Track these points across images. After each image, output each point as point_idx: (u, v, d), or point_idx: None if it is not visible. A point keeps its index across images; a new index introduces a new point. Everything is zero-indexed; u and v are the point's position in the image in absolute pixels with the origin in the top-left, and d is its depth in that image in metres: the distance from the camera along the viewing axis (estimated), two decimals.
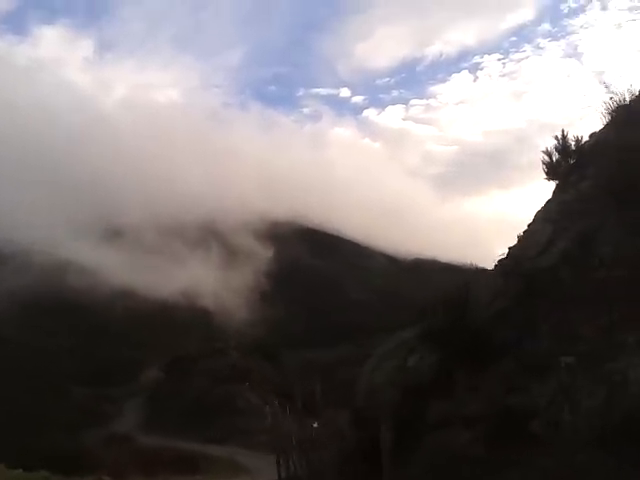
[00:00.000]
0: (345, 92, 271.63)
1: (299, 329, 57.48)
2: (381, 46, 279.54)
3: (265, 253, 79.43)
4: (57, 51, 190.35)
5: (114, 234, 74.49)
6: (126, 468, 20.35)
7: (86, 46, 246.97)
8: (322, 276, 71.95)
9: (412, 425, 7.05)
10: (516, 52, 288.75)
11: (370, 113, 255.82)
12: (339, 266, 76.20)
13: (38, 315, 52.15)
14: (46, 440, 26.62)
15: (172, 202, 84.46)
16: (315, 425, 10.59)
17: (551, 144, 9.11)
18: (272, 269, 74.41)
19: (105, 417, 32.02)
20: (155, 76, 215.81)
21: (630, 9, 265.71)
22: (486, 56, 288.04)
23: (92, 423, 30.39)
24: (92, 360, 43.17)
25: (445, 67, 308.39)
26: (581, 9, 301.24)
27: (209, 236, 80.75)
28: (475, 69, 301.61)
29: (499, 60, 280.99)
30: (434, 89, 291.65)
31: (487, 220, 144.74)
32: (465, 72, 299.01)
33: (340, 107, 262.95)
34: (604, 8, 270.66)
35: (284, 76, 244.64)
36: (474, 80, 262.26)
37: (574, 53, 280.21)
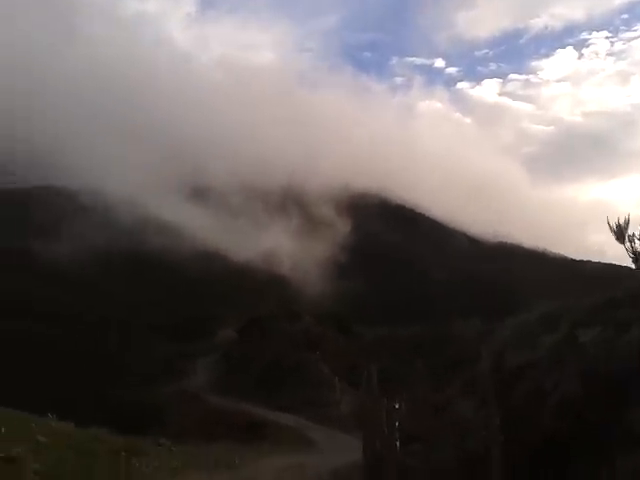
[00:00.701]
0: (439, 63, 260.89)
1: (374, 304, 57.06)
2: (483, 16, 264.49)
3: (345, 225, 79.29)
4: (161, 5, 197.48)
5: (198, 194, 77.27)
6: (190, 430, 20.39)
7: (189, 2, 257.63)
8: (401, 253, 70.87)
9: (601, 435, 4.98)
10: (627, 31, 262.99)
11: (464, 86, 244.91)
12: (419, 244, 74.61)
13: (121, 268, 55.41)
14: (122, 393, 28.17)
15: (257, 165, 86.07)
16: (397, 406, 10.18)
17: None
18: (351, 242, 74.16)
19: (180, 373, 33.49)
20: (252, 37, 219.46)
21: None
22: (594, 33, 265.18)
23: (167, 378, 31.96)
24: (171, 315, 45.52)
25: (549, 42, 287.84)
26: None
27: (290, 203, 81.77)
28: (581, 46, 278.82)
29: (607, 38, 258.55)
30: (535, 64, 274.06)
31: (580, 209, 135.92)
32: (570, 48, 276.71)
33: (433, 78, 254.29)
34: None
35: (378, 43, 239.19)
36: (579, 57, 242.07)
37: None
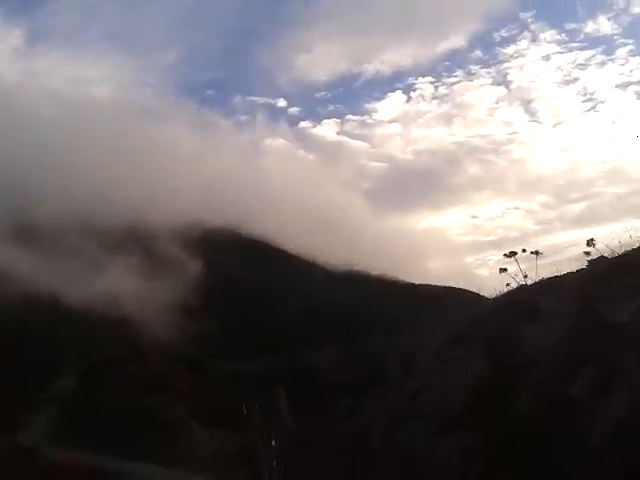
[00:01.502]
0: (282, 102, 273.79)
1: (228, 341, 55.94)
2: (319, 60, 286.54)
3: (195, 262, 77.22)
4: None
5: (25, 234, 69.64)
6: None
7: (16, 36, 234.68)
8: (254, 287, 70.85)
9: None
10: (449, 76, 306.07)
11: (306, 125, 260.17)
12: (272, 277, 75.47)
13: None
14: None
15: (94, 202, 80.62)
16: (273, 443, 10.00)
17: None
18: (202, 279, 72.24)
19: (12, 426, 29.36)
20: (85, 71, 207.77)
21: (558, 42, 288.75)
22: (420, 78, 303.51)
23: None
24: (4, 365, 39.94)
25: (380, 86, 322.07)
26: (512, 39, 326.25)
27: (133, 241, 77.45)
28: (409, 90, 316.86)
29: (432, 83, 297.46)
30: (369, 106, 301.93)
31: (418, 237, 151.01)
32: (399, 92, 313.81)
33: (276, 117, 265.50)
34: (534, 40, 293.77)
35: (220, 81, 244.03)
36: (407, 100, 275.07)
37: (503, 81, 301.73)
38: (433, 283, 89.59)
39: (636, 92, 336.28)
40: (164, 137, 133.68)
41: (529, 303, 18.31)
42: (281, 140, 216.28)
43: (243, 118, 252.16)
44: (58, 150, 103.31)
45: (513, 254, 20.42)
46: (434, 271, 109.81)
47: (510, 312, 18.65)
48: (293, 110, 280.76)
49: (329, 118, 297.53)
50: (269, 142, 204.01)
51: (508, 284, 21.54)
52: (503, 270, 21.13)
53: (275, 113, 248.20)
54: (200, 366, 41.03)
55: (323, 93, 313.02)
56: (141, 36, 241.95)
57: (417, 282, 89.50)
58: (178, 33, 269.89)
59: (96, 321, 52.58)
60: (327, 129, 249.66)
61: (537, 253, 20.78)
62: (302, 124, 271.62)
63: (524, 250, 20.85)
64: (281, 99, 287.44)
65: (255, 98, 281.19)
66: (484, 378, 16.27)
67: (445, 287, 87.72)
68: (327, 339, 57.68)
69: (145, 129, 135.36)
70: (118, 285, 65.23)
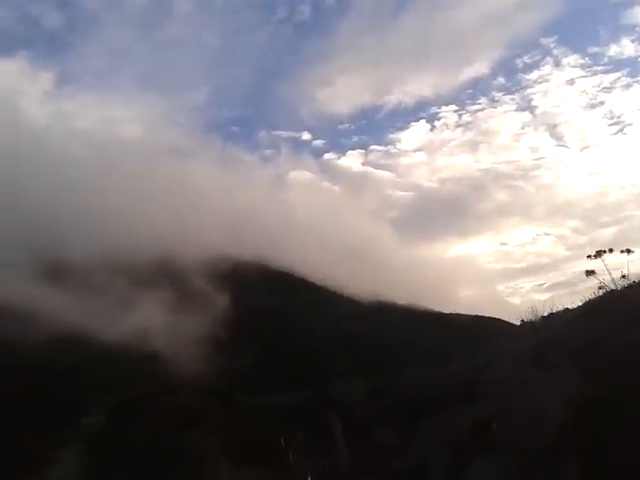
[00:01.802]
0: (306, 136, 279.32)
1: (257, 373, 55.91)
2: (341, 93, 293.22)
3: (223, 296, 78.00)
4: (16, 83, 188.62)
5: (56, 272, 71.64)
6: None
7: (46, 79, 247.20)
8: (283, 320, 70.92)
9: None
10: (472, 104, 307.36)
11: (330, 157, 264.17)
12: (301, 309, 75.46)
13: None
14: None
15: (124, 239, 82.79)
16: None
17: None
18: (230, 314, 72.83)
19: (43, 463, 29.71)
20: (116, 112, 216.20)
21: (581, 66, 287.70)
22: (443, 107, 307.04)
23: (28, 470, 28.17)
24: (32, 403, 40.59)
25: (404, 116, 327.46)
26: (535, 65, 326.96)
27: (163, 278, 78.88)
28: (433, 119, 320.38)
29: (455, 111, 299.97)
30: (393, 136, 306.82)
31: (446, 266, 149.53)
32: (423, 121, 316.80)
33: (301, 150, 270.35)
34: (557, 64, 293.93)
35: (246, 118, 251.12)
36: (431, 129, 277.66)
37: (528, 106, 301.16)
38: (463, 312, 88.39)
39: None
40: (192, 174, 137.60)
41: (633, 308, 15.30)
42: (306, 172, 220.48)
43: (268, 152, 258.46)
44: (87, 189, 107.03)
45: (600, 254, 18.87)
46: (464, 300, 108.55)
47: (607, 319, 15.95)
48: (317, 142, 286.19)
49: (353, 149, 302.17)
50: (294, 175, 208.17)
51: (601, 287, 19.38)
52: (590, 273, 19.46)
53: (300, 146, 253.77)
54: (229, 400, 41.00)
55: (346, 125, 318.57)
56: (170, 77, 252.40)
57: (446, 311, 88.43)
58: (205, 74, 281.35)
59: (126, 357, 53.30)
60: (352, 160, 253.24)
61: (628, 251, 19.19)
62: (327, 156, 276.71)
63: (611, 250, 19.35)
64: (305, 132, 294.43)
65: (279, 132, 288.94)
66: (578, 401, 13.69)
67: (476, 316, 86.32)
68: (355, 370, 57.12)
69: (173, 167, 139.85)
70: (148, 320, 66.25)
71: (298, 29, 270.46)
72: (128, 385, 40.51)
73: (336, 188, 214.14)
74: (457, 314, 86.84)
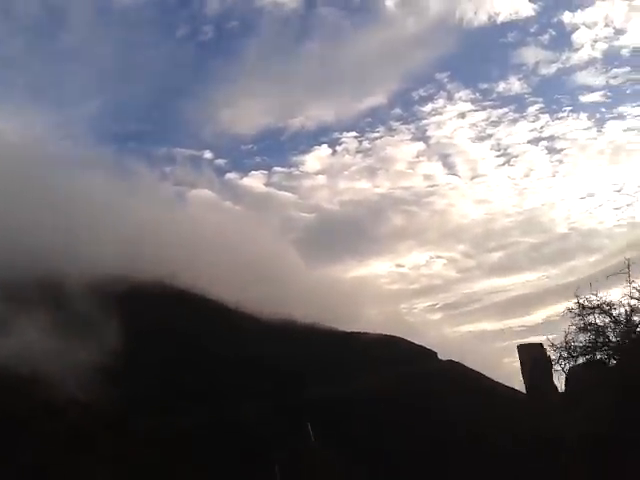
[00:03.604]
0: (208, 154, 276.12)
1: (153, 398, 53.50)
2: (245, 114, 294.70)
3: (117, 320, 74.03)
4: None
5: None
6: None
7: None
8: (183, 341, 68.67)
9: None
10: (371, 132, 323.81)
11: (233, 176, 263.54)
12: (202, 329, 73.67)
13: None
14: None
15: (2, 255, 76.39)
16: None
17: None
18: (125, 337, 69.25)
19: None
20: (2, 123, 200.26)
21: (472, 101, 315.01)
22: (344, 132, 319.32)
23: None
24: None
25: (306, 139, 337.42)
26: (430, 98, 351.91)
27: (45, 297, 73.59)
28: (334, 144, 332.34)
29: (356, 137, 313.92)
30: (296, 159, 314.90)
31: (347, 286, 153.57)
32: (325, 146, 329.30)
33: (202, 169, 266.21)
34: (450, 98, 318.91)
35: (144, 134, 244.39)
36: (333, 154, 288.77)
37: (422, 136, 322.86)
38: (366, 331, 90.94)
39: (547, 147, 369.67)
40: (83, 187, 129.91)
41: None
42: (207, 191, 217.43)
43: (167, 169, 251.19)
44: None
45: None
46: (367, 319, 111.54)
47: None
48: (219, 162, 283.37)
49: (256, 170, 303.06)
50: (195, 193, 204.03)
51: None
52: None
53: (201, 165, 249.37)
54: (122, 423, 39.14)
55: (250, 146, 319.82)
56: (62, 89, 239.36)
57: (348, 330, 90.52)
58: (100, 87, 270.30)
59: (2, 381, 48.97)
60: (254, 180, 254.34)
61: None
62: (229, 175, 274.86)
63: None
64: (207, 151, 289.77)
65: (180, 149, 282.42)
66: None
67: (380, 334, 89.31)
68: (258, 390, 56.91)
69: (62, 179, 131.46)
70: (26, 343, 61.29)
71: (201, 48, 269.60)
72: (6, 407, 37.24)
73: (238, 208, 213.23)
74: (361, 332, 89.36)
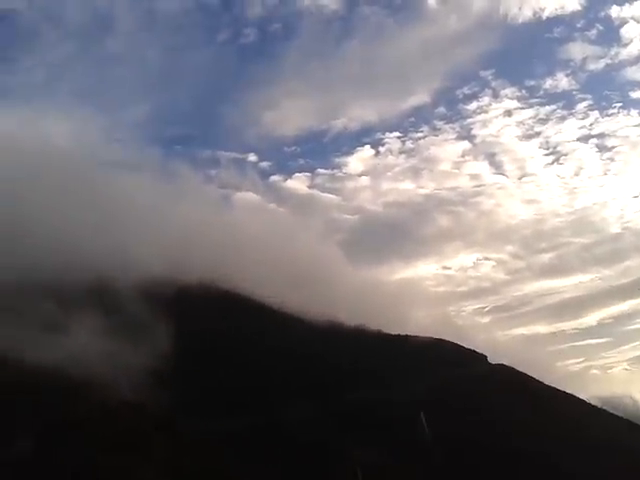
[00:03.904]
0: (252, 157, 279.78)
1: (203, 401, 53.87)
2: (287, 116, 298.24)
3: (166, 323, 75.07)
4: None
5: None
6: None
7: None
8: (231, 343, 68.91)
9: None
10: (414, 132, 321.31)
11: (277, 179, 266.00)
12: (250, 332, 73.76)
13: None
14: None
15: (54, 259, 78.75)
16: None
17: None
18: (175, 340, 70.17)
19: None
20: (52, 127, 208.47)
21: (518, 98, 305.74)
22: (387, 133, 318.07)
23: None
24: None
25: (349, 141, 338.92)
26: (474, 96, 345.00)
27: (97, 301, 75.41)
28: (377, 144, 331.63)
29: (399, 138, 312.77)
30: (339, 160, 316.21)
31: (391, 288, 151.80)
32: (368, 147, 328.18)
33: (246, 171, 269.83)
34: (495, 96, 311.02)
35: (189, 137, 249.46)
36: (376, 155, 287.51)
37: (467, 135, 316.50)
38: (414, 334, 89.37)
39: (597, 145, 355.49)
40: (131, 191, 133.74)
41: None
42: (252, 194, 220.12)
43: (213, 172, 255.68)
44: (13, 204, 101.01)
45: None
46: (414, 322, 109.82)
47: None
48: (263, 164, 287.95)
49: (300, 172, 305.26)
50: (240, 196, 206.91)
51: None
52: None
53: (245, 167, 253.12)
54: (171, 425, 39.40)
55: (293, 148, 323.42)
56: (109, 94, 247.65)
57: (395, 332, 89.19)
58: (146, 91, 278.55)
59: (57, 382, 50.31)
60: (298, 183, 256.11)
61: None
62: (273, 178, 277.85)
63: None
64: (251, 154, 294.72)
65: (224, 153, 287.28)
66: None
67: (430, 338, 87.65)
68: (304, 394, 56.49)
69: (110, 183, 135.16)
70: (81, 346, 62.95)
71: (243, 51, 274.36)
72: (60, 410, 38.09)
73: (282, 210, 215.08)
74: (410, 335, 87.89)
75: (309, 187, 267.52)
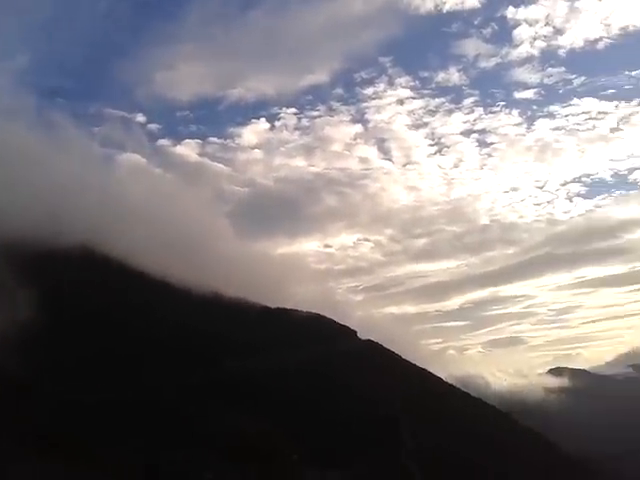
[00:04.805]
0: (140, 118, 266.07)
1: (72, 368, 52.27)
2: (183, 80, 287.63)
3: (36, 284, 70.19)
4: None
5: None
6: None
7: None
8: (108, 311, 66.67)
9: None
10: (311, 110, 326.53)
11: (165, 143, 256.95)
12: (128, 300, 71.79)
13: None
14: None
15: None
16: None
17: None
18: (41, 305, 66.11)
19: None
20: None
21: (412, 88, 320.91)
22: (284, 108, 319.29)
23: None
24: None
25: (244, 111, 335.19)
26: (371, 81, 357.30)
27: None
28: (273, 119, 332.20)
29: (295, 114, 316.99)
30: (232, 130, 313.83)
31: (274, 262, 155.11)
32: (263, 120, 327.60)
33: (134, 132, 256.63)
34: (391, 84, 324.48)
35: (74, 91, 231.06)
36: (271, 129, 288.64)
37: (361, 119, 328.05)
38: (293, 308, 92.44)
39: (478, 140, 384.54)
40: (6, 143, 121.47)
41: None
42: (137, 156, 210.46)
43: (96, 129, 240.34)
44: None
45: None
46: (294, 297, 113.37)
47: None
48: (152, 127, 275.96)
49: (190, 138, 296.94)
50: (125, 157, 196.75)
51: None
52: None
53: (132, 128, 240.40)
54: (29, 390, 38.49)
55: (185, 113, 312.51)
56: None
57: (274, 306, 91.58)
58: (31, 39, 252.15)
59: None
60: (187, 149, 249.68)
61: None
62: (161, 142, 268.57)
63: None
64: (140, 114, 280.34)
65: (111, 110, 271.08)
66: None
67: (307, 312, 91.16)
68: (184, 365, 57.03)
69: None
70: None
71: (142, 6, 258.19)
72: None
73: (169, 176, 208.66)
74: (289, 309, 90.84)
75: (199, 155, 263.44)
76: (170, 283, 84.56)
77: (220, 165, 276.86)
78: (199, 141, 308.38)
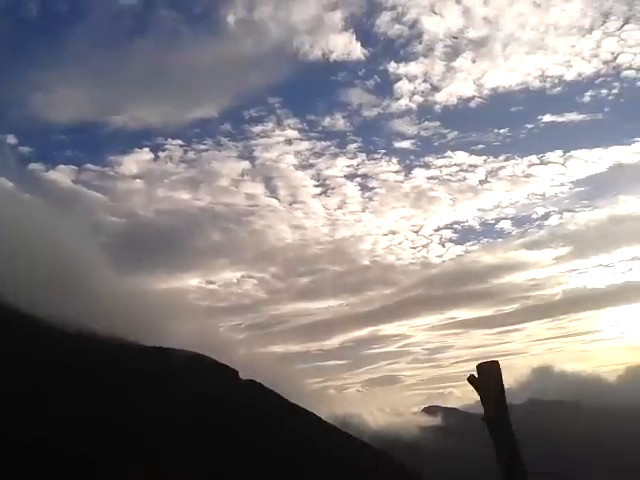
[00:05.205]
0: (11, 139, 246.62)
1: None
2: (61, 102, 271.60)
3: None
4: None
5: None
6: None
7: None
8: None
9: None
10: (198, 143, 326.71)
11: (37, 167, 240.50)
12: None
13: None
14: None
15: None
16: None
17: None
18: None
19: None
20: None
21: (299, 130, 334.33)
22: (170, 139, 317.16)
23: None
24: None
25: (127, 140, 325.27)
26: (260, 119, 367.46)
27: None
28: (157, 149, 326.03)
29: (181, 146, 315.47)
30: (113, 158, 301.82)
31: (154, 298, 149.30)
32: (147, 149, 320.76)
33: (3, 154, 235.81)
34: (279, 124, 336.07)
35: None
36: (154, 159, 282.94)
37: (249, 156, 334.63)
38: (173, 347, 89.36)
39: (360, 184, 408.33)
40: None
41: None
42: (3, 179, 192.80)
43: None
44: None
45: None
46: (174, 334, 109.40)
47: None
48: (24, 149, 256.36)
49: (65, 164, 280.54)
50: None
51: None
52: None
53: (1, 149, 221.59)
54: None
55: (61, 137, 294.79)
56: None
57: (152, 345, 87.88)
58: None
59: None
60: (62, 175, 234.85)
61: None
62: (32, 166, 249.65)
63: None
64: (10, 135, 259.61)
65: None
66: None
67: (186, 351, 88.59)
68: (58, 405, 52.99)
69: None
70: None
71: (21, 24, 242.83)
72: None
73: (40, 202, 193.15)
74: (167, 348, 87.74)
75: (74, 182, 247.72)
76: (35, 315, 78.15)
77: (97, 194, 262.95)
78: (74, 167, 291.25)
